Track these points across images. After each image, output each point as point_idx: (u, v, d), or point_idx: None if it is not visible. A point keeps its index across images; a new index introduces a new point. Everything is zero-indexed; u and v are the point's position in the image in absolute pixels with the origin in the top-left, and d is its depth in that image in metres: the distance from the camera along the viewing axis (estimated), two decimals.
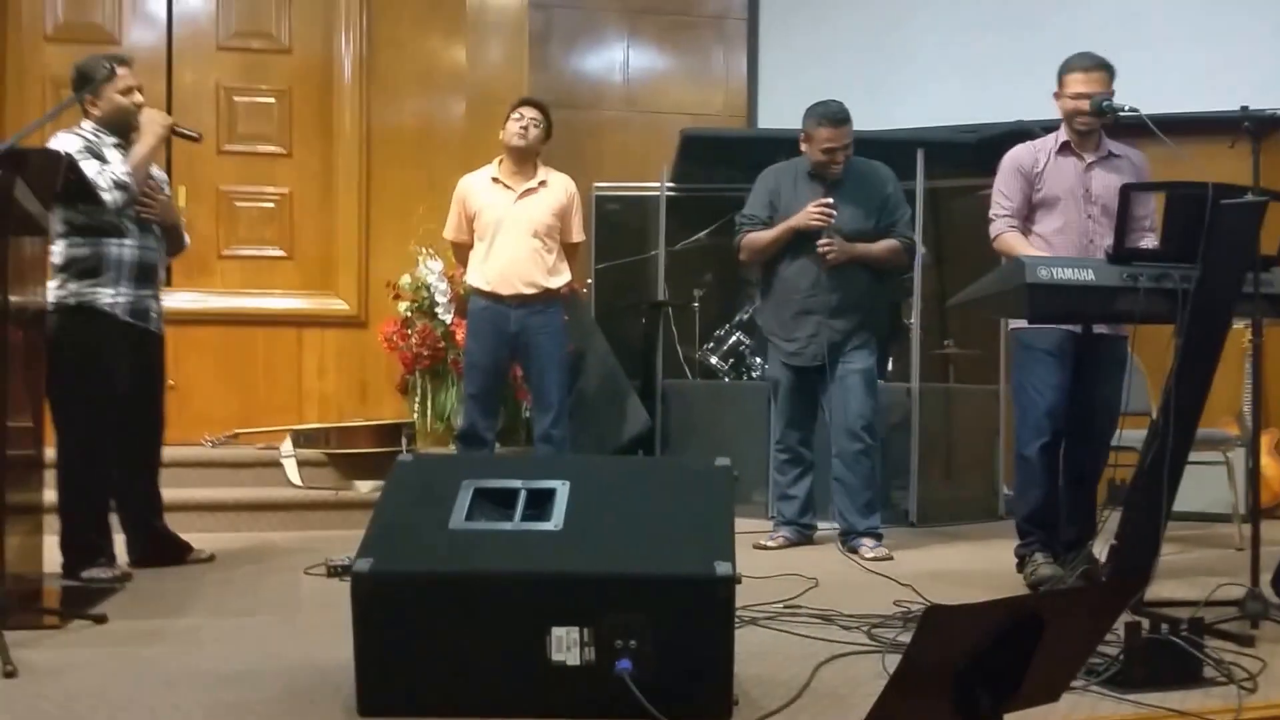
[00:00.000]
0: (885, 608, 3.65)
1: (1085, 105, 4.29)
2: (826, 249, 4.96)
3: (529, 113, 5.34)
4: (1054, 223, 4.37)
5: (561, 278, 5.41)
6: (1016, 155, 4.46)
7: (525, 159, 5.37)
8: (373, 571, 2.52)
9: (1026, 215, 4.42)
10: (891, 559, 4.83)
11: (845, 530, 5.06)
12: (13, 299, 3.34)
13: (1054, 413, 4.29)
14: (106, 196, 3.96)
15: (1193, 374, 3.48)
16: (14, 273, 3.34)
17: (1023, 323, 4.38)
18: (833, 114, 5.01)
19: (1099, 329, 4.23)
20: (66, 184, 3.55)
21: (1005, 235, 4.39)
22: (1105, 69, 4.35)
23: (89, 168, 3.91)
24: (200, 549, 4.62)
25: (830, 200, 4.97)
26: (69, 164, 3.58)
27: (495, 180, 5.37)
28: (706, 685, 2.50)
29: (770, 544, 5.15)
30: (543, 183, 5.38)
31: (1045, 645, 1.83)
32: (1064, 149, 4.42)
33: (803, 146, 5.11)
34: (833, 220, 4.96)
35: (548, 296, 5.35)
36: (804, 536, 5.23)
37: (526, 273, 5.30)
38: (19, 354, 3.49)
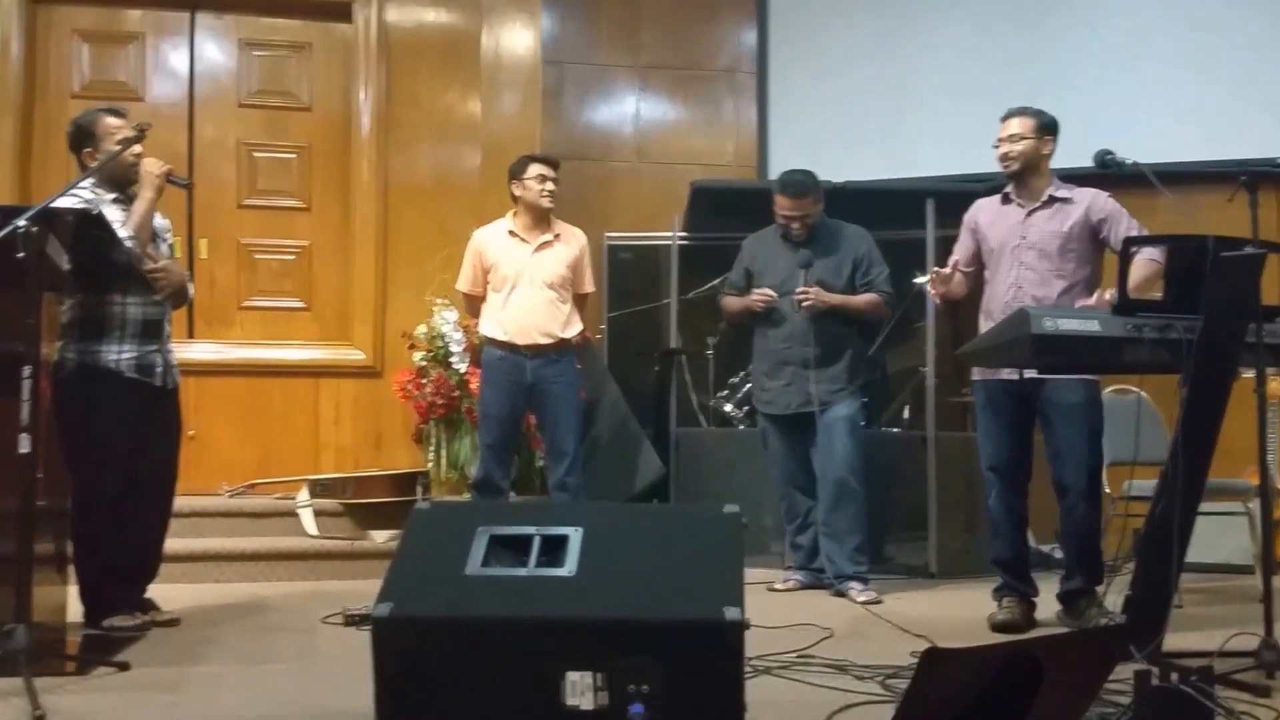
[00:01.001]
0: (900, 659, 3.59)
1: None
2: (802, 297, 5.05)
3: (550, 172, 5.43)
4: (992, 271, 4.51)
5: (575, 328, 5.49)
6: (969, 212, 4.64)
7: (543, 215, 5.47)
8: (392, 616, 2.58)
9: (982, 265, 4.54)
10: (880, 603, 4.87)
11: (835, 574, 5.10)
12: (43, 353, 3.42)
13: (996, 466, 4.44)
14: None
15: (1199, 423, 3.52)
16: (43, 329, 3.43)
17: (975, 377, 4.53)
18: (786, 183, 5.19)
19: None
20: (88, 240, 3.61)
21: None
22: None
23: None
24: (169, 612, 4.35)
25: (771, 293, 5.17)
26: (95, 219, 3.66)
27: (512, 234, 5.46)
28: None
29: (780, 586, 5.23)
30: (557, 235, 5.48)
31: (1045, 690, 1.86)
32: (1005, 199, 4.51)
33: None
34: (769, 304, 5.16)
35: (562, 346, 5.42)
36: (817, 580, 5.26)
37: (543, 323, 5.38)
38: (50, 408, 3.58)
